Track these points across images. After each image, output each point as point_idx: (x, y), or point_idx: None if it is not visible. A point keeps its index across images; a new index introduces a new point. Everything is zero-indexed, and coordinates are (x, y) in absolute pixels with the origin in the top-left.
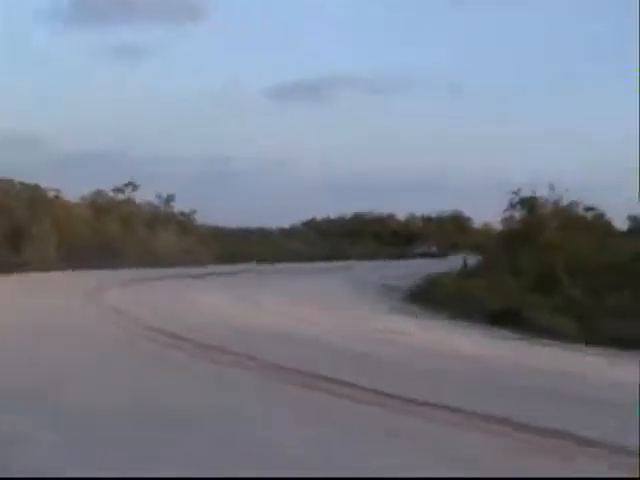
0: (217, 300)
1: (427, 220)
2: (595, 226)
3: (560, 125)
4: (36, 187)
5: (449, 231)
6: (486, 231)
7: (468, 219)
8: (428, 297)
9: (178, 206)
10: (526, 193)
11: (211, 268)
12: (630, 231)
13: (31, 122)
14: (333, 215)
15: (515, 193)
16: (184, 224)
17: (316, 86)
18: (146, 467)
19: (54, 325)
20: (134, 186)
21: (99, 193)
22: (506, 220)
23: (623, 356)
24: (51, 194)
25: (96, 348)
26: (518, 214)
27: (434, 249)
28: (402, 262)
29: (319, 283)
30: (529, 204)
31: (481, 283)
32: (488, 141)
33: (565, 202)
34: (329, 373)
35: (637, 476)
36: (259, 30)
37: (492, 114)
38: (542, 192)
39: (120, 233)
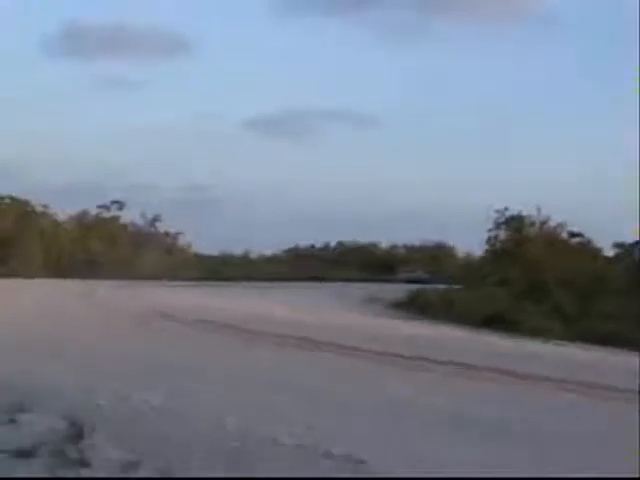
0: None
1: (410, 249)
2: (581, 249)
3: (546, 154)
4: (25, 202)
5: (432, 259)
6: (468, 259)
7: (451, 248)
8: (414, 306)
9: (163, 227)
10: (512, 212)
11: (195, 282)
12: (617, 256)
13: (16, 152)
14: (317, 244)
15: (501, 212)
16: (168, 244)
17: (298, 119)
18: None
19: (57, 308)
20: (120, 204)
21: (85, 212)
22: (492, 239)
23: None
24: (39, 209)
25: (89, 321)
26: (503, 233)
27: (421, 273)
28: (385, 285)
29: (306, 296)
30: (516, 222)
31: (468, 294)
32: (472, 174)
33: (552, 224)
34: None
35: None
36: (244, 63)
37: (471, 148)
38: (529, 213)
39: (105, 249)
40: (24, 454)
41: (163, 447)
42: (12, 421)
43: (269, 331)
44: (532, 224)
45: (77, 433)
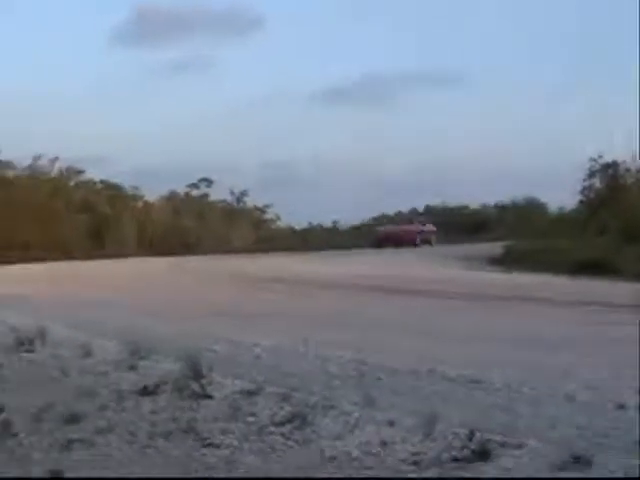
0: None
1: (501, 208)
2: None
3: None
4: (116, 185)
5: (523, 216)
6: (561, 213)
7: (543, 204)
8: (508, 260)
9: (251, 202)
10: (607, 160)
11: (286, 252)
12: None
13: (97, 143)
14: (404, 210)
15: (595, 160)
16: (257, 218)
17: (373, 84)
18: None
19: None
20: (208, 182)
21: (174, 192)
22: (586, 189)
23: None
24: (130, 191)
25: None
26: (598, 182)
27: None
28: (478, 244)
29: (400, 258)
30: (612, 170)
31: (563, 244)
32: (561, 125)
33: None
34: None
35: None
36: (314, 36)
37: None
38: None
39: (196, 225)
40: (148, 392)
41: (282, 378)
42: (132, 368)
43: (363, 284)
44: (628, 170)
45: (196, 373)
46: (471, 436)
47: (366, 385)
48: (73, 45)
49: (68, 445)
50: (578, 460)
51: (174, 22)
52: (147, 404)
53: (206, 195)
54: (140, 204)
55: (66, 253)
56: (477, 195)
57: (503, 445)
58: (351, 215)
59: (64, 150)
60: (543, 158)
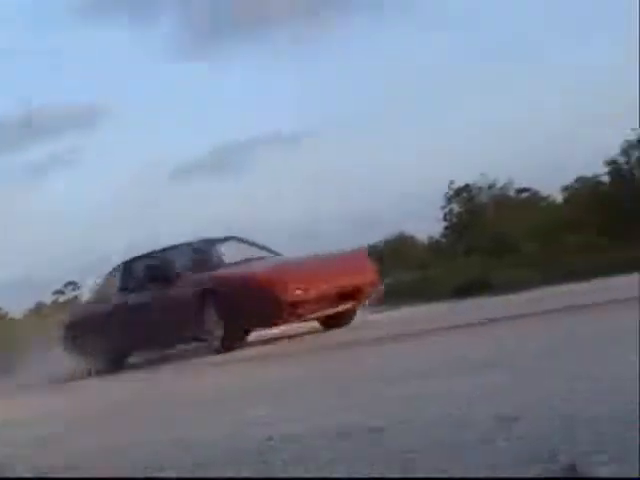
0: None
1: (372, 249)
2: (529, 203)
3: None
4: None
5: (395, 253)
6: (431, 242)
7: (412, 237)
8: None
9: None
10: (459, 184)
11: None
12: (565, 201)
13: None
14: None
15: (448, 187)
16: None
17: (225, 154)
18: None
19: None
20: (75, 285)
21: (40, 304)
22: (447, 214)
23: None
24: None
25: None
26: (457, 206)
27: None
28: None
29: None
30: (466, 192)
31: (436, 271)
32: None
33: (499, 185)
34: None
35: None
36: (163, 116)
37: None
38: (474, 181)
39: None
40: None
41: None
42: None
43: None
44: (480, 190)
45: None
46: None
47: None
48: None
49: None
50: None
51: (24, 127)
52: None
53: (76, 298)
54: (3, 323)
55: None
56: (348, 242)
57: None
58: None
59: None
60: (407, 192)
